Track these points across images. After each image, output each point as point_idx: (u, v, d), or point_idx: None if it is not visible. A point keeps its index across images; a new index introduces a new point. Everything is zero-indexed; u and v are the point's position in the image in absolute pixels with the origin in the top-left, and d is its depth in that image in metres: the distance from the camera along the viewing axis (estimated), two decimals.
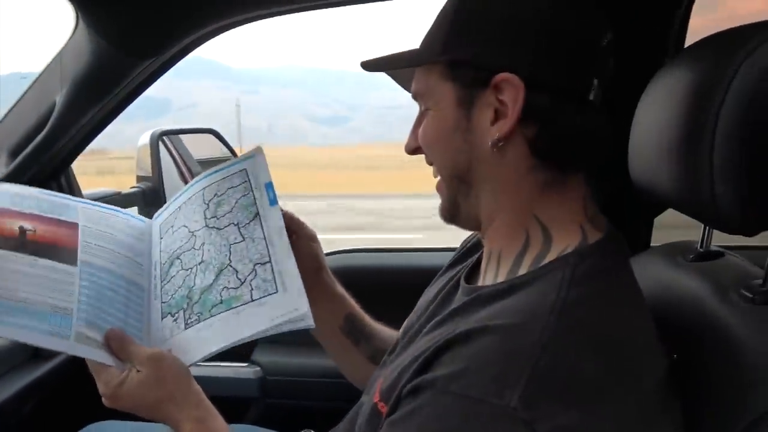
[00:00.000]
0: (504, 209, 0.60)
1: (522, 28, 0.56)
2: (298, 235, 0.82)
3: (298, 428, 0.95)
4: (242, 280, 0.71)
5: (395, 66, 0.66)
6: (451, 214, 0.64)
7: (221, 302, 0.70)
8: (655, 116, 0.62)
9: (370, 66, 0.67)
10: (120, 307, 0.71)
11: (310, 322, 0.67)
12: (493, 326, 0.50)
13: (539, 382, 0.45)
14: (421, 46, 0.63)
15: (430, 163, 0.65)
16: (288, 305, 0.68)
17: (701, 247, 0.71)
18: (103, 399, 0.66)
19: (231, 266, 0.72)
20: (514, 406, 0.44)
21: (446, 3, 0.61)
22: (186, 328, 0.70)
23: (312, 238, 0.84)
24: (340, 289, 0.87)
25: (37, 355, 1.08)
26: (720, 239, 0.72)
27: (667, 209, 0.91)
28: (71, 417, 1.11)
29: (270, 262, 0.71)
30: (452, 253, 0.81)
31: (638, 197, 0.70)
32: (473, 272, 0.68)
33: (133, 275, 0.75)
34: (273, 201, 0.76)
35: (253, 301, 0.69)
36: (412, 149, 0.66)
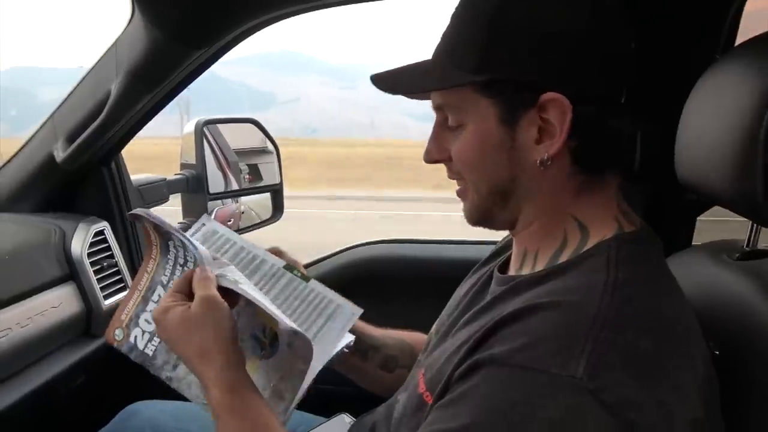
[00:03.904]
0: (543, 215, 0.60)
1: (562, 42, 0.55)
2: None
3: (334, 412, 0.97)
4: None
5: (424, 86, 0.61)
6: (483, 220, 0.64)
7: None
8: (705, 114, 0.62)
9: (385, 84, 0.63)
10: None
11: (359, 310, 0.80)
12: (546, 303, 0.51)
13: (602, 354, 0.46)
14: (446, 59, 0.60)
15: (455, 177, 0.64)
16: (348, 310, 0.80)
17: (747, 245, 0.70)
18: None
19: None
20: (580, 376, 0.45)
21: (468, 13, 0.59)
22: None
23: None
24: None
25: (88, 333, 1.12)
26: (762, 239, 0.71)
27: (712, 207, 0.90)
28: (117, 394, 1.15)
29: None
30: (486, 246, 0.82)
31: (684, 195, 0.70)
32: (506, 266, 0.69)
33: None
34: None
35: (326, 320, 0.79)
36: (434, 160, 0.64)
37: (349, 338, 0.82)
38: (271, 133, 1.53)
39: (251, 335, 0.71)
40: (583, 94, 0.55)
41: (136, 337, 0.72)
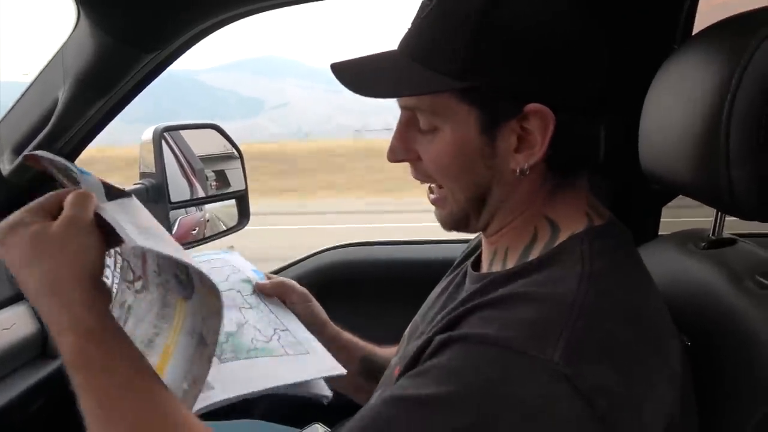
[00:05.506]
0: (516, 217, 0.60)
1: (548, 53, 0.54)
2: (292, 300, 0.82)
3: (306, 423, 0.95)
4: (268, 339, 0.74)
5: (402, 91, 0.58)
6: (458, 225, 0.63)
7: (256, 349, 0.72)
8: (666, 104, 0.62)
9: (352, 81, 0.59)
10: None
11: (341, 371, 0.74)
12: (523, 293, 0.51)
13: (578, 342, 0.46)
14: (423, 61, 0.56)
15: (422, 179, 0.62)
16: (324, 364, 0.73)
17: (713, 234, 0.71)
18: None
19: (250, 324, 0.76)
20: (557, 361, 0.45)
21: (450, 16, 0.55)
22: (220, 363, 0.69)
23: (306, 299, 0.83)
24: (348, 336, 0.87)
25: (45, 354, 1.07)
26: (729, 227, 0.72)
27: (677, 197, 0.91)
28: (78, 417, 1.10)
29: (288, 330, 0.76)
30: (458, 246, 0.81)
31: (648, 185, 0.70)
32: (478, 263, 0.68)
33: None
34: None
35: (289, 355, 0.72)
36: (398, 159, 0.62)
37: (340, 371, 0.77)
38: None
39: (174, 275, 0.60)
40: (563, 104, 0.55)
41: None
